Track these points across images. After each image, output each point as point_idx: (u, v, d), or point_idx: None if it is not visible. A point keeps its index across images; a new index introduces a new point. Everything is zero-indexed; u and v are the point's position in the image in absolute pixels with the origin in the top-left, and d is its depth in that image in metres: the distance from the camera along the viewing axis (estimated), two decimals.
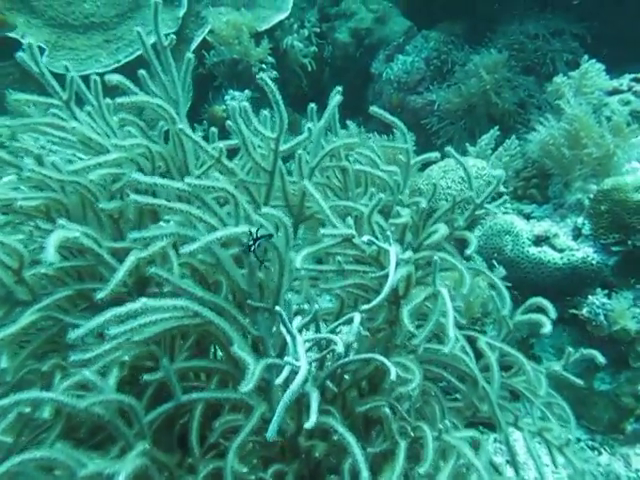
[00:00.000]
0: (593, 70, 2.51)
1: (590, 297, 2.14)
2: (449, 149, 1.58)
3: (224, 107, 3.43)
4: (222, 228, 1.05)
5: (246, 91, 3.46)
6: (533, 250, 2.20)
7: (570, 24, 3.40)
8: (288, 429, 1.12)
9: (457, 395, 1.51)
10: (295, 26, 3.93)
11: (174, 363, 1.07)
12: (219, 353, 1.43)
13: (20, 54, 1.30)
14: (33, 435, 1.08)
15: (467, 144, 2.86)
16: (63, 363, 1.14)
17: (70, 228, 1.15)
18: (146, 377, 1.03)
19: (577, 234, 2.26)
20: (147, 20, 4.18)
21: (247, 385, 0.93)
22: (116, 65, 3.95)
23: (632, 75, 2.78)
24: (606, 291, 2.15)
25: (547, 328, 1.30)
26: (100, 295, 1.13)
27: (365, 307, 1.07)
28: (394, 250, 1.20)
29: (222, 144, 1.42)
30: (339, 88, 1.64)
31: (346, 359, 1.04)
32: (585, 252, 2.20)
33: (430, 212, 1.66)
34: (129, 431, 0.97)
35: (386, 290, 1.12)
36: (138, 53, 3.97)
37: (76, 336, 0.87)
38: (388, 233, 1.24)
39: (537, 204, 2.47)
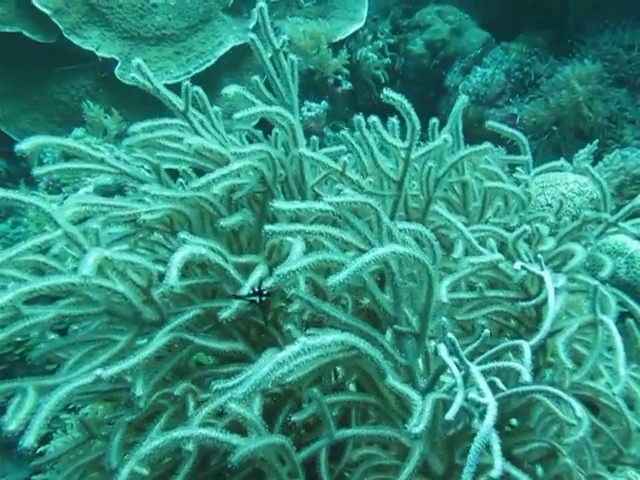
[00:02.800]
0: None
1: None
2: (587, 165, 1.48)
3: (300, 118, 3.35)
4: (369, 251, 0.94)
5: (323, 102, 3.38)
6: None
7: None
8: (437, 470, 1.02)
9: None
10: (369, 37, 3.84)
11: (325, 396, 0.97)
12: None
13: (133, 75, 1.31)
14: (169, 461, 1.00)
15: (562, 159, 2.71)
16: (193, 387, 1.07)
17: (195, 243, 1.08)
18: (295, 417, 0.94)
19: None
20: (217, 32, 4.16)
21: (418, 425, 0.83)
22: (186, 76, 3.93)
23: None
24: None
25: None
26: (224, 315, 1.07)
27: (532, 342, 0.96)
28: (549, 277, 1.09)
29: (345, 157, 1.37)
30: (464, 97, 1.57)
31: (513, 390, 0.93)
32: None
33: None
34: (282, 469, 0.88)
35: (547, 325, 1.02)
36: (208, 65, 3.95)
37: (243, 394, 0.78)
38: (540, 256, 1.14)
39: None
